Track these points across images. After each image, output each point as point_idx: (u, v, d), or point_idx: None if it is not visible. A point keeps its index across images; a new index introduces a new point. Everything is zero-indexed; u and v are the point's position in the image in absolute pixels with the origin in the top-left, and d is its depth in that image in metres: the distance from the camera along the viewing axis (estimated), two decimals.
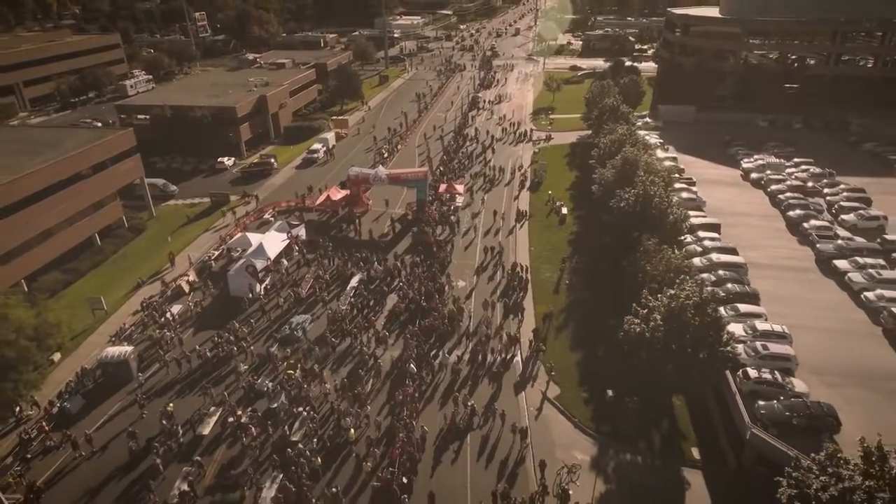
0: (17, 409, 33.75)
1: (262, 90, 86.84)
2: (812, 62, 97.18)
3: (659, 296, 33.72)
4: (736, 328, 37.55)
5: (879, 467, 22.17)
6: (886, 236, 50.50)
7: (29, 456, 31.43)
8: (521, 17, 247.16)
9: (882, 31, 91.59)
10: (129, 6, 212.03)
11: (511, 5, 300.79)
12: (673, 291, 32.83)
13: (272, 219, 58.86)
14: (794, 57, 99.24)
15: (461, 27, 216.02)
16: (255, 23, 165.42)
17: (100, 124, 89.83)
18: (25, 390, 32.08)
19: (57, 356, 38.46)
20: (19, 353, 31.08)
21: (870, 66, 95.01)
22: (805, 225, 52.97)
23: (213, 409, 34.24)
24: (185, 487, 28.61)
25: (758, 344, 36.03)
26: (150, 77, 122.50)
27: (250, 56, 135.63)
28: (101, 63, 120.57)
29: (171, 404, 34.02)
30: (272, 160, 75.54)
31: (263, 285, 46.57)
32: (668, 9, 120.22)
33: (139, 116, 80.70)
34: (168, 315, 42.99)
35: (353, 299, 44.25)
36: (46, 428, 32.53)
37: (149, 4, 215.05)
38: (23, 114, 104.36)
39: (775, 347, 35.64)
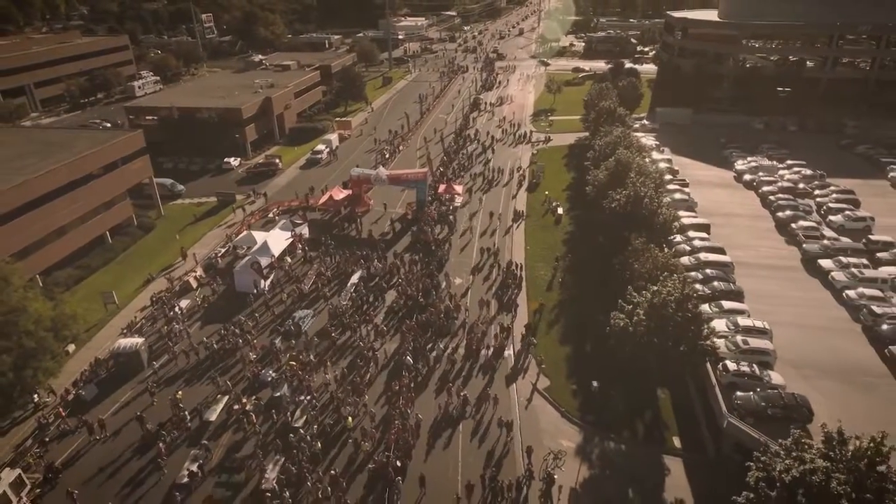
0: (36, 395, 35.72)
1: (267, 92, 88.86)
2: (811, 65, 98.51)
3: (644, 292, 35.43)
4: (719, 324, 39.32)
5: (839, 450, 23.83)
6: (871, 237, 51.97)
7: (47, 439, 33.45)
8: (525, 19, 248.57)
9: (878, 35, 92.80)
10: (137, 7, 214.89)
11: (515, 6, 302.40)
12: (656, 288, 34.50)
13: (276, 217, 60.77)
14: (794, 59, 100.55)
15: (465, 28, 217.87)
16: (261, 24, 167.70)
17: (109, 125, 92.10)
18: (44, 377, 34.11)
19: (72, 347, 40.45)
20: (38, 343, 33.07)
21: (867, 69, 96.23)
22: (793, 225, 54.49)
23: (219, 397, 36.15)
24: (193, 469, 30.54)
25: (738, 339, 37.68)
26: (158, 78, 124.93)
27: (256, 58, 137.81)
28: (109, 64, 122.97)
29: (179, 392, 35.95)
30: (277, 160, 77.56)
31: (268, 281, 48.45)
32: (668, 12, 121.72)
33: (147, 117, 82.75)
34: (177, 309, 44.92)
35: (353, 294, 46.09)
36: (63, 413, 34.55)
37: (156, 5, 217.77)
38: (34, 114, 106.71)
39: (755, 342, 37.29)
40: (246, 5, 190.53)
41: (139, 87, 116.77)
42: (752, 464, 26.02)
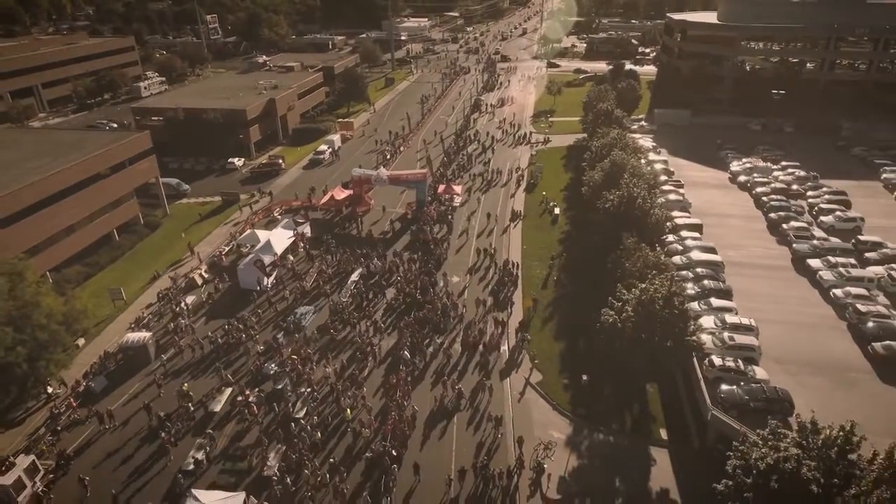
0: (49, 387, 37.24)
1: (271, 93, 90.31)
2: (811, 66, 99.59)
3: (633, 290, 36.66)
4: (707, 321, 40.59)
5: (811, 439, 25.10)
6: (860, 237, 53.07)
7: (59, 428, 34.96)
8: (528, 20, 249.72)
9: (875, 38, 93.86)
10: (142, 7, 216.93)
11: (518, 7, 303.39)
12: (644, 285, 35.75)
13: (279, 217, 62.21)
14: (794, 61, 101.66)
15: (468, 29, 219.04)
16: (265, 25, 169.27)
17: (116, 125, 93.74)
18: (56, 369, 35.68)
19: (81, 341, 41.95)
20: (51, 336, 34.65)
21: (865, 70, 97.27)
22: (784, 226, 55.59)
23: (223, 389, 37.59)
24: (198, 456, 32.00)
25: (725, 335, 38.93)
26: (164, 79, 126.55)
27: (260, 59, 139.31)
28: (116, 65, 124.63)
29: (185, 384, 37.42)
30: (280, 161, 79.06)
31: (271, 278, 49.88)
32: (668, 14, 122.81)
33: (153, 118, 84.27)
34: (183, 305, 46.40)
35: (353, 291, 47.48)
36: (74, 404, 36.10)
37: (161, 5, 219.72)
38: (42, 115, 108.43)
39: (741, 338, 38.54)
40: (250, 6, 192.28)
41: (145, 88, 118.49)
42: (731, 453, 27.31)
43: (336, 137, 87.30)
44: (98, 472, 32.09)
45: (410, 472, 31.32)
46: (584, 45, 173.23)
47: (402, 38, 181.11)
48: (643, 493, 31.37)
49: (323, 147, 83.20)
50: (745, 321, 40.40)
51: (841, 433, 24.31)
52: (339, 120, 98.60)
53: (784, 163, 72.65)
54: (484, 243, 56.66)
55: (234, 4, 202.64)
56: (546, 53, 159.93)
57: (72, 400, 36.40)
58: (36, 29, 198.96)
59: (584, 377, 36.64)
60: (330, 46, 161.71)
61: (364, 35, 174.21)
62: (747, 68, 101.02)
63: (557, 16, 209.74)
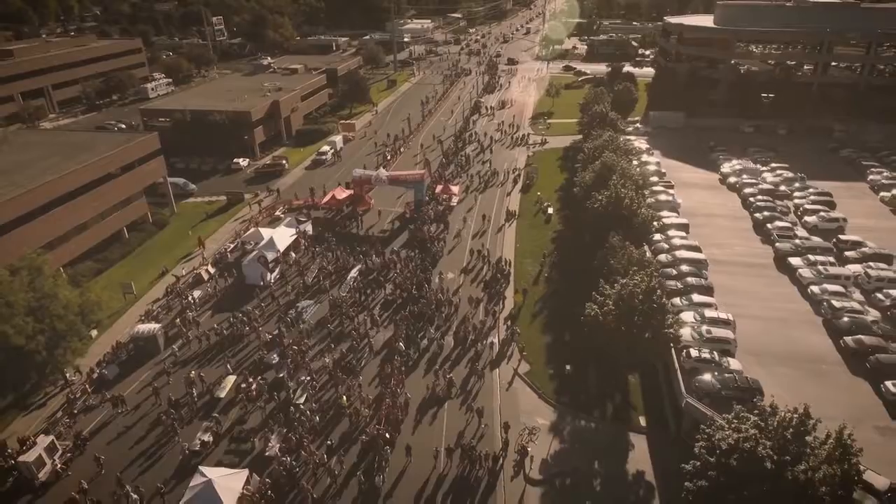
0: (68, 374, 39.68)
1: (275, 95, 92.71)
2: (808, 68, 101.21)
3: (615, 284, 38.78)
4: (687, 315, 42.68)
5: (769, 421, 27.18)
6: (841, 236, 54.99)
7: (75, 412, 37.37)
8: (530, 21, 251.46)
9: (867, 42, 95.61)
10: (149, 8, 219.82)
11: (520, 9, 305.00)
12: (624, 280, 37.86)
13: (282, 215, 64.51)
14: (791, 63, 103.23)
15: (470, 31, 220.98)
16: (269, 27, 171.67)
17: (124, 126, 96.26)
18: (72, 357, 38.02)
19: (94, 332, 44.22)
20: (68, 326, 36.99)
21: (858, 73, 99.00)
22: (769, 225, 57.51)
23: (229, 377, 39.90)
24: (205, 438, 34.32)
25: (703, 328, 41.00)
26: (170, 80, 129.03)
27: (265, 61, 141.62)
28: (123, 67, 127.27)
29: (193, 372, 39.77)
30: (284, 161, 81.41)
31: (274, 274, 52.17)
32: (666, 17, 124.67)
33: (160, 119, 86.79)
34: (190, 299, 48.75)
35: (352, 285, 49.76)
36: (89, 390, 38.57)
37: (168, 6, 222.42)
38: (52, 116, 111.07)
39: (718, 332, 40.62)
40: (255, 8, 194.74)
41: (152, 90, 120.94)
42: (699, 435, 29.40)
43: (338, 138, 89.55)
44: (112, 452, 34.42)
45: (402, 454, 33.55)
46: (585, 47, 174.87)
47: (406, 39, 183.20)
48: (621, 475, 33.49)
49: (325, 148, 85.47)
50: (724, 316, 42.45)
51: (796, 416, 26.39)
52: (342, 121, 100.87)
53: (773, 164, 74.48)
54: (480, 241, 58.78)
55: (239, 6, 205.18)
56: (548, 55, 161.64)
57: (87, 386, 38.86)
58: (44, 30, 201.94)
59: (568, 367, 38.74)
60: (334, 48, 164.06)
61: (368, 37, 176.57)
62: (742, 70, 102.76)
63: (559, 17, 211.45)
